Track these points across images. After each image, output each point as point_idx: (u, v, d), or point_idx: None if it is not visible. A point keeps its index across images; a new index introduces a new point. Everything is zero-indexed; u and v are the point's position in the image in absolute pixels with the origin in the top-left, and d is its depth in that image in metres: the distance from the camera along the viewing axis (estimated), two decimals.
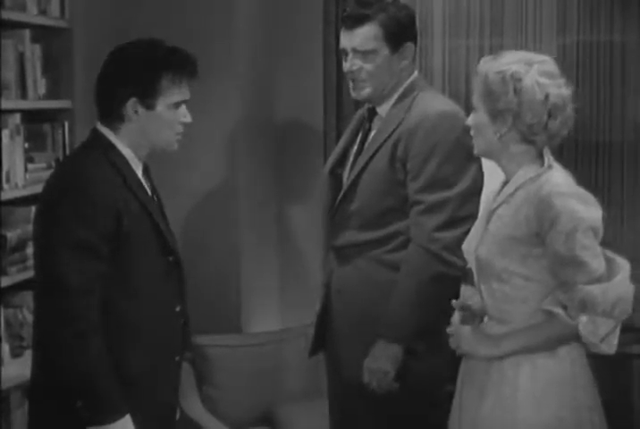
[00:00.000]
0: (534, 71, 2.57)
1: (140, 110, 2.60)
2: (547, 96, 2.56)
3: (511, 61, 2.60)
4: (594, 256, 2.53)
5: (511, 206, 2.61)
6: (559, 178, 2.58)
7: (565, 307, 2.55)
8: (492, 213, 2.67)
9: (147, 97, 2.59)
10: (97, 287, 2.49)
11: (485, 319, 2.72)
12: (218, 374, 3.93)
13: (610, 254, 2.61)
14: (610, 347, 2.57)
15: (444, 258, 2.99)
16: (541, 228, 2.53)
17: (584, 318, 2.53)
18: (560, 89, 2.59)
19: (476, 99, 2.63)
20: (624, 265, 2.59)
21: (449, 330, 2.73)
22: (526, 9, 4.15)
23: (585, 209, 2.53)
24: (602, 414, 2.66)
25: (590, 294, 2.51)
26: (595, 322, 2.52)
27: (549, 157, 2.62)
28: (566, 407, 2.57)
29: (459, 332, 2.70)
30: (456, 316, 2.77)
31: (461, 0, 4.21)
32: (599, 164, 4.17)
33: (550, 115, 2.58)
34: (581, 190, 2.58)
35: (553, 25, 4.13)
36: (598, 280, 2.52)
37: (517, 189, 2.61)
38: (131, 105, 2.59)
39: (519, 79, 2.56)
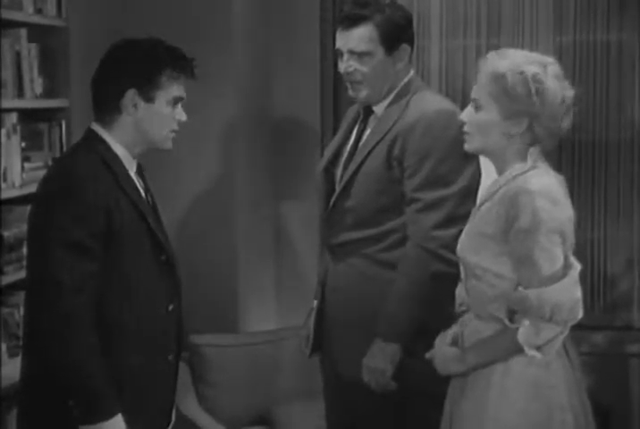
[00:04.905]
0: (551, 74, 2.56)
1: (139, 103, 2.59)
2: (563, 99, 2.57)
3: (525, 61, 2.57)
4: (550, 259, 2.50)
5: (490, 204, 2.60)
6: (536, 177, 2.55)
7: (513, 311, 2.54)
8: (476, 210, 2.67)
9: (147, 90, 2.58)
10: (90, 286, 2.48)
11: (471, 316, 2.70)
12: (215, 373, 3.93)
13: (572, 259, 2.57)
14: (547, 354, 2.53)
15: (443, 256, 2.98)
16: (506, 225, 2.52)
17: (526, 322, 2.51)
18: (570, 92, 2.59)
19: (486, 97, 2.59)
20: (574, 272, 2.55)
21: (427, 355, 2.74)
22: (522, 9, 4.17)
23: (552, 210, 2.49)
24: (583, 415, 2.62)
25: (525, 298, 2.49)
26: (538, 326, 2.50)
27: (534, 158, 2.59)
28: (535, 405, 2.55)
29: (435, 354, 2.71)
30: (438, 338, 2.76)
31: (458, 0, 4.22)
32: (596, 163, 4.18)
33: (562, 118, 2.58)
34: (554, 191, 2.54)
35: (550, 25, 4.15)
36: (544, 283, 2.49)
37: (500, 187, 2.59)
38: (130, 96, 2.58)
39: (541, 82, 2.54)
